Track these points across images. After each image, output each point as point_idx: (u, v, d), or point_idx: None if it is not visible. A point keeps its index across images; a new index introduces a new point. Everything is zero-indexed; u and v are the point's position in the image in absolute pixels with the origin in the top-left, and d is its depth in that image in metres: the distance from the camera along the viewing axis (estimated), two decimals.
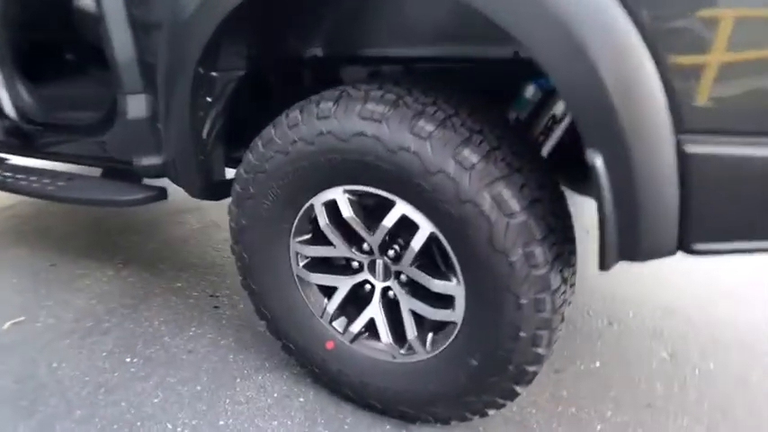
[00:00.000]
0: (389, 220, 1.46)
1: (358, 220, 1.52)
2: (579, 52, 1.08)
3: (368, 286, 1.66)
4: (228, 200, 1.75)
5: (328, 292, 1.76)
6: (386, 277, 1.62)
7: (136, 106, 1.87)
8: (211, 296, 2.52)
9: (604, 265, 1.29)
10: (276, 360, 2.04)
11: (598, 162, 1.14)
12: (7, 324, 2.29)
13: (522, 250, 1.29)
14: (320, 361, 1.77)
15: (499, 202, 1.27)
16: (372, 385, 1.69)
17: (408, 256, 1.49)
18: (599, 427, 1.72)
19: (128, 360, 2.06)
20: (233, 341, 2.18)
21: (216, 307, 2.43)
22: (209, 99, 1.70)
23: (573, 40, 1.08)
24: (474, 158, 1.28)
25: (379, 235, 1.51)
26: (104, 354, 2.10)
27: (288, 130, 1.49)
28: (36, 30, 2.66)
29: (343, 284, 1.68)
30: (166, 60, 1.65)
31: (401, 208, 1.43)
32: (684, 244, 1.22)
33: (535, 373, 1.45)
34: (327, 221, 1.57)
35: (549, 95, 1.60)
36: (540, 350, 1.39)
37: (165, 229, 3.28)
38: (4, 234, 3.24)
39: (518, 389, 1.47)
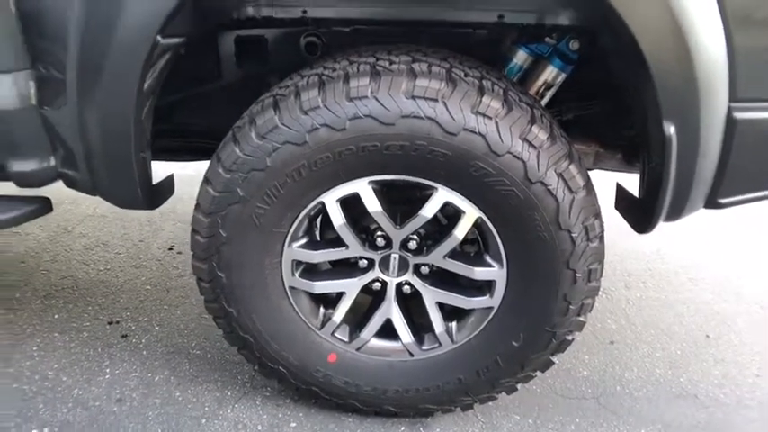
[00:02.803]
0: (429, 210, 1.30)
1: (386, 214, 1.32)
2: (678, 34, 1.12)
3: (376, 285, 1.48)
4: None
5: (324, 300, 1.53)
6: (401, 272, 1.45)
7: (9, 89, 1.31)
8: (111, 323, 1.99)
9: (649, 227, 1.35)
10: (237, 387, 1.72)
11: (672, 131, 1.18)
12: None
13: (582, 225, 1.26)
14: (322, 378, 1.53)
15: (567, 179, 1.21)
16: (390, 390, 1.53)
17: (446, 246, 1.35)
18: (585, 373, 1.85)
19: None
20: (170, 374, 1.77)
21: (124, 336, 1.93)
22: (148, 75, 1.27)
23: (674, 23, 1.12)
24: (543, 136, 1.19)
25: (412, 227, 1.34)
26: None
27: (302, 115, 1.19)
28: None
29: (352, 288, 1.46)
30: (98, 24, 1.16)
31: (443, 195, 1.28)
32: (711, 199, 1.34)
33: (573, 341, 1.46)
34: (345, 220, 1.33)
35: (539, 61, 1.56)
36: (583, 318, 1.41)
37: (1, 246, 2.47)
38: None
39: (555, 359, 1.48)
